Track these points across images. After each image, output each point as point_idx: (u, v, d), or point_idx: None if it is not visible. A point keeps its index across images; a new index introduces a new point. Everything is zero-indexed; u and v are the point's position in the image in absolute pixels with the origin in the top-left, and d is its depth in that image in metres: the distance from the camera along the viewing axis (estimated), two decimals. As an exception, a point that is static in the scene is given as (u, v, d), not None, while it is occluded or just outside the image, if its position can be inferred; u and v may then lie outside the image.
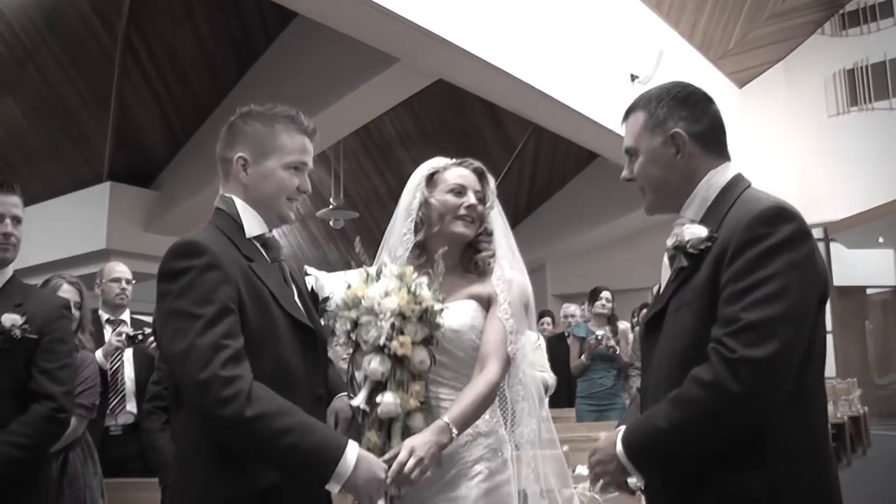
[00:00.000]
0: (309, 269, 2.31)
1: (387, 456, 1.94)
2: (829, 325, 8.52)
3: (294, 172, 2.04)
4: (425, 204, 2.33)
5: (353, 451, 1.79)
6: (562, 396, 6.59)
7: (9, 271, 2.78)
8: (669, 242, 1.85)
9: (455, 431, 2.03)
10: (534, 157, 13.62)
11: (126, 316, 4.56)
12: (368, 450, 1.95)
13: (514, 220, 10.07)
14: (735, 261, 1.65)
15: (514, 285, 2.32)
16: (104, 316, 4.50)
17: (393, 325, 2.02)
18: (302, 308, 2.06)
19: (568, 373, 6.62)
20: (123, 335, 4.11)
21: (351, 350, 2.15)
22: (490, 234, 2.38)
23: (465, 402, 2.11)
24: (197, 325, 1.75)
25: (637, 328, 6.50)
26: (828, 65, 14.08)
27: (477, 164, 2.41)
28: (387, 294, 2.06)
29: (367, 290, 2.08)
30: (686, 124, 1.86)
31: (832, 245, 14.55)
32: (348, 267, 2.30)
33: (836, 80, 14.10)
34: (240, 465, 1.80)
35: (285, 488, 1.84)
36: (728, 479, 1.66)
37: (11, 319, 2.63)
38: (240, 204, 2.03)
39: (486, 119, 12.34)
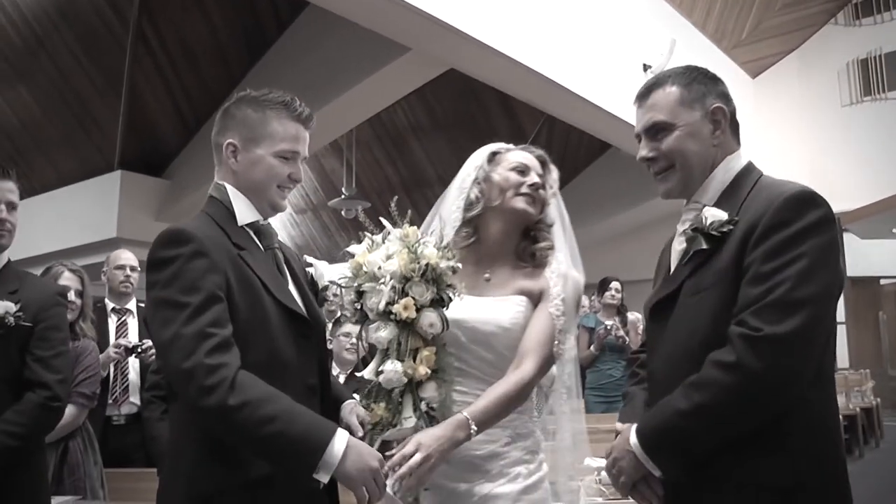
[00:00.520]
0: (308, 259, 2.28)
1: (393, 451, 1.86)
2: (842, 316, 8.47)
3: (284, 161, 1.97)
4: (486, 179, 2.21)
5: (341, 439, 1.72)
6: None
7: (3, 258, 2.72)
8: (683, 227, 1.84)
9: (474, 428, 1.91)
10: (546, 147, 13.43)
11: (132, 304, 4.50)
12: (376, 424, 1.90)
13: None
14: (762, 242, 1.64)
15: (570, 282, 2.19)
16: (110, 304, 4.45)
17: (395, 289, 1.90)
18: (299, 297, 2.02)
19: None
20: (122, 347, 4.05)
21: (359, 326, 2.03)
22: (549, 225, 2.26)
23: (490, 398, 1.99)
24: (183, 314, 1.73)
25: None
26: (841, 54, 13.94)
27: (540, 151, 2.31)
28: (388, 258, 1.93)
29: (368, 256, 1.95)
30: (723, 101, 1.86)
31: (845, 235, 14.42)
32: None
33: (850, 69, 13.96)
34: (229, 455, 1.77)
35: (277, 479, 1.78)
36: (753, 466, 1.63)
37: (5, 307, 2.58)
38: (231, 191, 1.98)
39: (499, 109, 12.29)
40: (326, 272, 2.24)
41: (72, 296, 3.64)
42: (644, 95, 1.91)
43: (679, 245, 1.86)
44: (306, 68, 9.36)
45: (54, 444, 3.48)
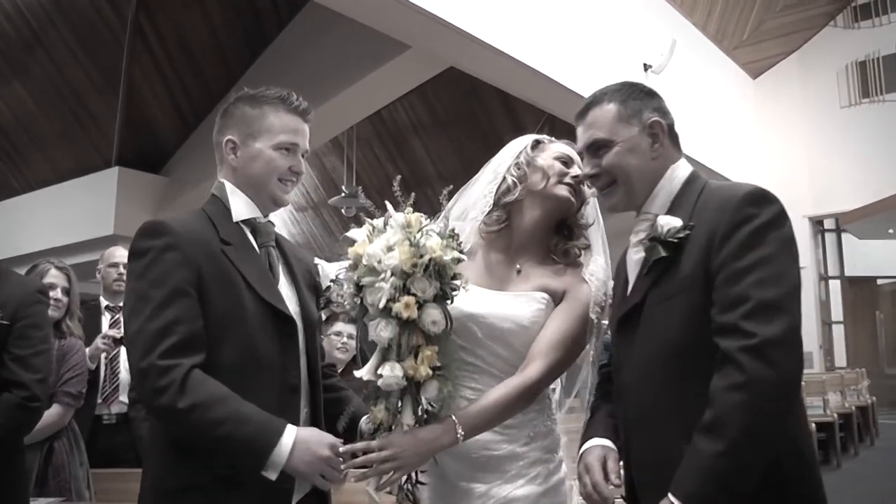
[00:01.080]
0: (317, 261, 2.24)
1: (360, 445, 1.83)
2: (840, 315, 8.55)
3: (285, 153, 1.99)
4: (529, 164, 2.14)
5: (289, 436, 1.75)
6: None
7: None
8: (637, 238, 1.84)
9: (461, 433, 1.85)
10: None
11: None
12: (377, 427, 1.85)
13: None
14: (728, 241, 1.65)
15: (607, 286, 2.10)
16: (104, 302, 4.38)
17: (396, 286, 1.81)
18: (294, 296, 2.01)
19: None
20: (109, 338, 3.99)
21: (354, 324, 2.01)
22: (587, 225, 2.20)
23: (485, 402, 1.94)
24: (148, 308, 1.77)
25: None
26: (840, 56, 13.99)
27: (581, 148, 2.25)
28: (389, 249, 1.83)
29: (368, 247, 1.84)
30: (660, 115, 1.88)
31: (843, 235, 14.53)
32: None
33: (849, 71, 14.01)
34: (194, 452, 1.79)
35: (245, 475, 1.78)
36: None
37: None
38: (229, 187, 2.01)
39: (500, 107, 12.27)
40: (331, 271, 2.19)
41: (58, 293, 3.59)
42: (582, 114, 1.93)
43: (636, 255, 1.86)
44: (306, 65, 9.32)
45: (39, 445, 3.42)
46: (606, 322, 2.06)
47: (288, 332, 1.94)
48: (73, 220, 10.81)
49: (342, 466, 1.81)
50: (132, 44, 9.67)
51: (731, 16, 12.20)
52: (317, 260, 2.25)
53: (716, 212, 1.71)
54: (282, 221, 12.90)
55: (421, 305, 1.81)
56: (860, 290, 14.88)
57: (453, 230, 1.90)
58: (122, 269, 4.34)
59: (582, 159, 1.95)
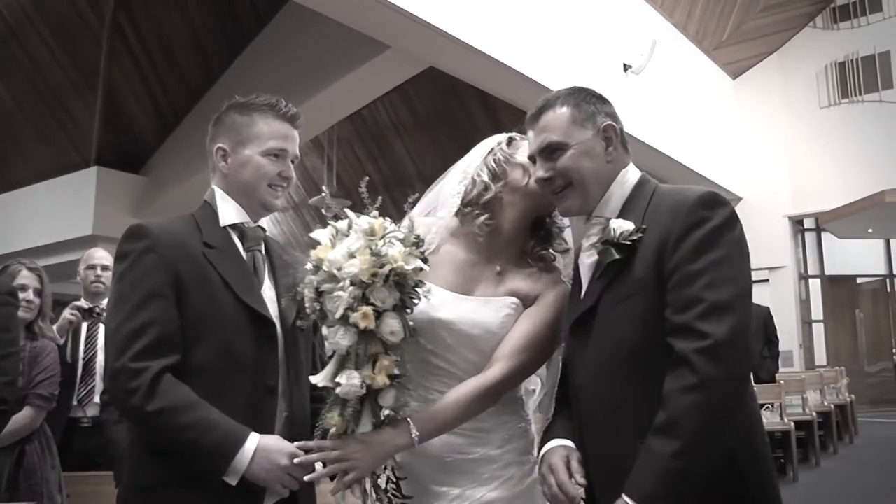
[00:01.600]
0: None
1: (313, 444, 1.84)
2: (820, 314, 8.62)
3: (273, 159, 2.01)
4: (507, 161, 2.08)
5: (251, 444, 1.80)
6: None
7: None
8: (589, 241, 1.86)
9: (416, 433, 1.83)
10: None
11: (105, 303, 4.35)
12: (330, 433, 1.83)
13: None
14: (681, 243, 1.68)
15: None
16: (84, 304, 4.31)
17: (355, 296, 1.77)
18: (277, 299, 2.02)
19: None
20: (77, 308, 3.96)
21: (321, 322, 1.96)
22: (564, 227, 2.15)
23: (443, 402, 1.92)
24: (125, 309, 1.82)
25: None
26: (820, 57, 14.14)
27: None
28: (350, 256, 1.79)
29: (329, 252, 1.81)
30: (612, 119, 1.90)
31: (823, 235, 14.66)
32: None
33: (828, 72, 14.16)
34: (168, 451, 1.82)
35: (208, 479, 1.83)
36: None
37: None
38: (219, 193, 2.04)
39: (480, 107, 12.27)
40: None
41: (30, 295, 3.56)
42: (535, 118, 1.92)
43: (588, 259, 1.87)
44: (285, 65, 9.30)
45: (10, 448, 3.38)
46: None
47: (268, 335, 1.96)
48: (52, 220, 10.74)
49: (305, 477, 1.83)
50: (111, 42, 9.61)
51: (711, 16, 12.27)
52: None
53: (668, 215, 1.74)
54: (264, 221, 12.84)
55: (380, 315, 1.79)
56: (840, 288, 15.03)
57: (418, 236, 1.87)
58: (99, 272, 4.33)
59: (534, 163, 1.94)
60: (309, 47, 8.98)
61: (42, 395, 3.48)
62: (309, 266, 1.85)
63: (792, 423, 7.73)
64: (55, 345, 3.75)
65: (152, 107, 10.53)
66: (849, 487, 7.39)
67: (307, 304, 1.85)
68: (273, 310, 2.00)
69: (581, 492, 1.80)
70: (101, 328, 4.27)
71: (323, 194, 11.38)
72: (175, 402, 1.77)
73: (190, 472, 1.81)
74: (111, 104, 10.14)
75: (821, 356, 14.16)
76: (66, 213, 10.66)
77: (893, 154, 13.01)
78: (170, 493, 1.82)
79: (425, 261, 1.86)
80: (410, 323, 1.84)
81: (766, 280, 13.58)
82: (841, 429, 10.14)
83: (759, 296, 9.75)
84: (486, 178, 2.08)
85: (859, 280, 15.53)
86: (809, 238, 14.84)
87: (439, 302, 1.93)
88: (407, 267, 1.79)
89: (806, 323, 14.09)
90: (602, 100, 1.92)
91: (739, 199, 13.38)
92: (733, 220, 1.72)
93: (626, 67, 9.73)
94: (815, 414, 8.57)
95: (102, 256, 4.42)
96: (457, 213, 2.10)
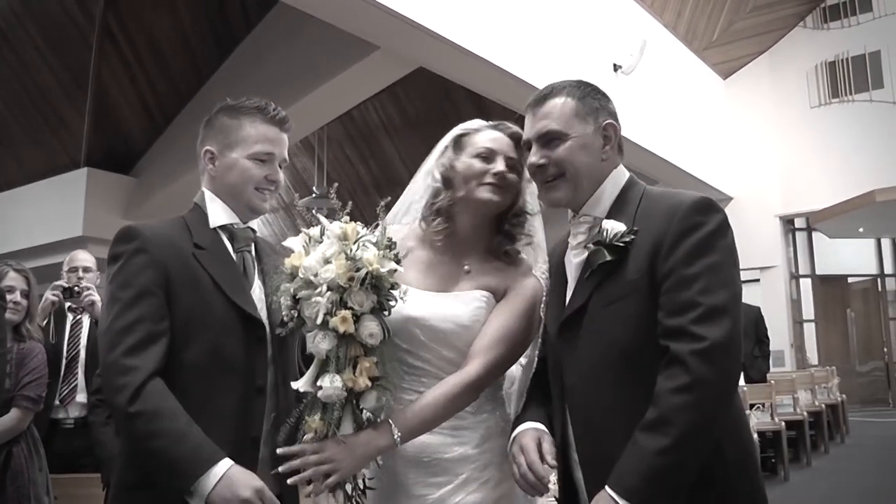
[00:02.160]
0: None
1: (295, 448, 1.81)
2: (811, 314, 8.62)
3: (260, 163, 2.02)
4: (451, 168, 2.08)
5: (221, 469, 1.75)
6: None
7: None
8: (577, 241, 1.85)
9: (398, 434, 1.83)
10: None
11: (87, 295, 4.39)
12: (307, 437, 1.82)
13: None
14: (676, 248, 1.69)
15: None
16: (67, 304, 4.27)
17: (332, 300, 1.78)
18: (265, 300, 2.03)
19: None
20: (59, 287, 3.94)
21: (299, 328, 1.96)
22: (529, 214, 2.12)
23: (423, 401, 1.91)
24: (116, 308, 1.84)
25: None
26: (810, 57, 14.17)
27: (514, 128, 2.11)
28: (326, 262, 1.80)
29: (304, 259, 1.81)
30: (613, 119, 1.90)
31: (814, 234, 14.70)
32: None
33: (818, 72, 14.19)
34: None
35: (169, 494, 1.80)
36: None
37: None
38: (207, 195, 2.05)
39: (471, 107, 12.25)
40: None
41: (17, 296, 3.56)
42: (538, 103, 1.90)
43: (576, 258, 1.86)
44: (275, 66, 9.30)
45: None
46: None
47: (257, 336, 1.96)
48: (42, 221, 10.72)
49: (289, 481, 1.78)
50: (101, 44, 9.59)
51: (701, 16, 12.29)
52: None
53: (662, 219, 1.74)
54: (254, 222, 12.83)
55: (358, 318, 1.80)
56: (831, 288, 15.07)
57: (390, 239, 1.87)
58: (81, 273, 4.34)
59: (528, 148, 1.91)
60: (299, 48, 8.98)
61: (29, 397, 3.47)
62: (284, 273, 1.86)
63: (783, 423, 7.74)
64: (43, 347, 3.73)
65: (142, 108, 10.50)
66: (840, 487, 7.41)
67: (284, 312, 1.85)
68: (262, 311, 2.01)
69: (552, 473, 1.81)
70: (85, 325, 4.27)
71: (314, 195, 11.38)
72: (156, 407, 1.76)
73: (158, 482, 1.77)
74: (101, 106, 10.12)
75: (812, 356, 14.20)
76: (56, 214, 10.64)
77: (884, 153, 13.04)
78: (153, 492, 1.80)
79: (399, 262, 1.86)
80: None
81: (757, 280, 13.59)
82: (832, 428, 10.18)
83: (751, 295, 9.81)
84: (438, 184, 2.11)
85: (850, 279, 15.57)
86: (800, 238, 14.88)
87: (410, 299, 1.91)
88: (382, 269, 1.81)
89: (797, 322, 14.11)
90: (606, 98, 1.93)
91: (730, 198, 13.39)
92: (726, 226, 1.74)
93: (615, 67, 9.74)
94: (806, 413, 8.58)
95: (84, 258, 4.43)
96: (422, 219, 2.13)
